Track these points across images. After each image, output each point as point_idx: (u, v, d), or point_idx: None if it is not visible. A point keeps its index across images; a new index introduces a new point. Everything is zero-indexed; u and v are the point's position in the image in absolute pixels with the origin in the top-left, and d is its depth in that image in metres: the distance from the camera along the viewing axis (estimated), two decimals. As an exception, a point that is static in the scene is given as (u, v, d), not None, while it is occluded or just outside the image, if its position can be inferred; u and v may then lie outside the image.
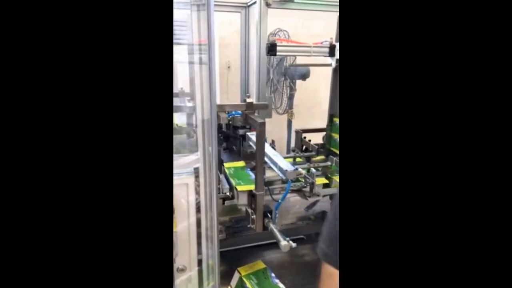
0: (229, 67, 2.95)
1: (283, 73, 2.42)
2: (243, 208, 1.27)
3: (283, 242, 1.04)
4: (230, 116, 1.51)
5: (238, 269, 1.32)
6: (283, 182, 1.35)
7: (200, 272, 1.02)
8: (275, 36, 2.25)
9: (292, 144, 1.88)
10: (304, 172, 1.22)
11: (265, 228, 1.19)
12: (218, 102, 2.55)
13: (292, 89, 2.48)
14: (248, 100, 1.22)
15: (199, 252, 1.01)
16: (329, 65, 1.48)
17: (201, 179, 0.90)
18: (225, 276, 1.33)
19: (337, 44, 1.38)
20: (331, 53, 1.41)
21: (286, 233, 1.66)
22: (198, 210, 0.96)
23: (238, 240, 1.54)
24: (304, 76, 2.48)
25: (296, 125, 2.30)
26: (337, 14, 1.46)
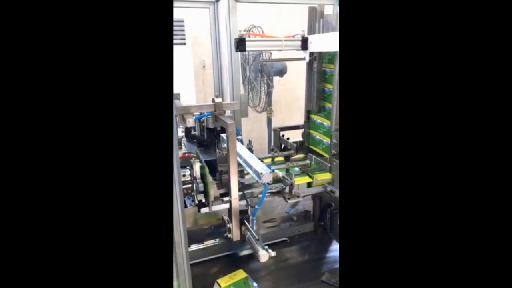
0: (204, 66, 2.86)
1: (260, 70, 2.35)
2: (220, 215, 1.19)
3: (261, 252, 0.97)
4: (203, 117, 1.43)
5: (217, 280, 1.23)
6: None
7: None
8: (249, 32, 2.17)
9: (272, 143, 1.81)
10: (281, 174, 1.14)
11: (243, 236, 1.11)
12: (194, 102, 2.48)
13: (270, 86, 2.41)
14: (217, 100, 1.14)
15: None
16: (303, 59, 1.41)
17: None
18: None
19: (310, 37, 1.31)
20: (304, 47, 1.34)
21: (267, 236, 1.60)
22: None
23: (217, 248, 1.46)
24: (281, 72, 2.41)
25: (277, 122, 2.23)
26: (308, 8, 1.40)
